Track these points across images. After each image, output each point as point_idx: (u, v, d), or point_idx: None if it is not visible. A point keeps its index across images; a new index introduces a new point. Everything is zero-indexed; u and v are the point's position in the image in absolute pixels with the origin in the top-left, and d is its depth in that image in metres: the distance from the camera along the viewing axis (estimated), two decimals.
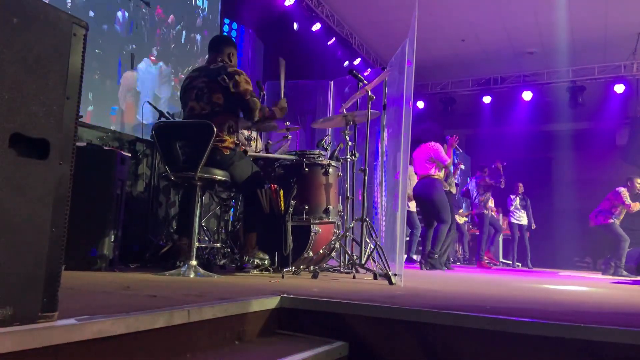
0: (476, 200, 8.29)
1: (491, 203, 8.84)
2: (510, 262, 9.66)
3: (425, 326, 1.62)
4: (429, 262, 5.66)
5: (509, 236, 9.90)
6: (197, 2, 6.24)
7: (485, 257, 8.31)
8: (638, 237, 8.82)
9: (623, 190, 7.15)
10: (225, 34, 6.61)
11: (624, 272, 6.85)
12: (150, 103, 4.30)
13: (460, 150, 6.79)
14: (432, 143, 5.82)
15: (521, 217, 9.58)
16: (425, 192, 5.68)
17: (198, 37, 6.08)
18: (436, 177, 5.74)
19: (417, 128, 5.95)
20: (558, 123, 11.00)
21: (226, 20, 6.68)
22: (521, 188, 9.69)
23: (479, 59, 10.13)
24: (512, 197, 9.64)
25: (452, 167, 6.56)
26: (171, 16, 5.70)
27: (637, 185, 7.18)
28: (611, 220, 7.17)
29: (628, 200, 7.07)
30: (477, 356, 1.55)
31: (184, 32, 5.84)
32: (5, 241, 1.05)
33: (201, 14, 6.27)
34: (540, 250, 10.03)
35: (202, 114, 3.12)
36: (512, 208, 9.55)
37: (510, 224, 9.61)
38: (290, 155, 3.67)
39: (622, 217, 7.24)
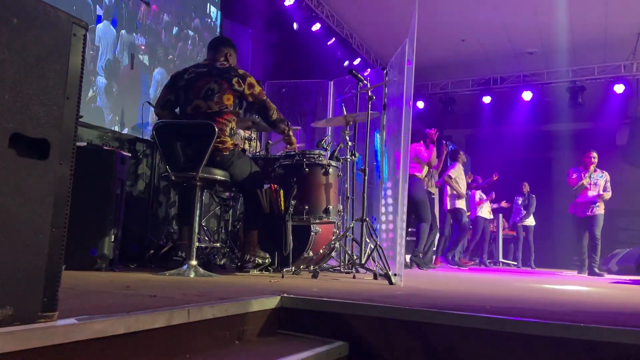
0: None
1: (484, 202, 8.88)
2: (515, 263, 9.64)
3: (425, 326, 1.62)
4: (413, 261, 5.72)
5: (510, 236, 9.90)
6: (210, 11, 6.27)
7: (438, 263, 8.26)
8: (638, 237, 8.82)
9: (570, 171, 6.94)
10: (224, 33, 6.62)
11: (597, 271, 6.53)
12: (149, 103, 4.30)
13: (446, 144, 6.85)
14: (417, 143, 5.96)
15: (527, 218, 9.56)
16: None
17: (190, 32, 6.07)
18: (419, 176, 5.83)
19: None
20: (558, 123, 11.00)
21: (226, 20, 6.68)
22: (526, 188, 9.67)
23: (479, 59, 10.13)
24: (518, 198, 9.63)
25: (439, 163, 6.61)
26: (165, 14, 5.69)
27: (593, 160, 6.79)
28: (571, 212, 6.92)
29: (571, 179, 6.83)
30: (477, 356, 1.55)
31: (175, 27, 5.82)
32: (5, 241, 1.05)
33: (203, 17, 6.28)
34: (540, 250, 10.03)
35: (208, 113, 3.11)
36: (520, 208, 9.57)
37: (515, 225, 9.59)
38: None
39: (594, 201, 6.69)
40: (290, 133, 3.50)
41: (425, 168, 6.05)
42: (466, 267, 7.71)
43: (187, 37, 5.98)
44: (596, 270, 6.53)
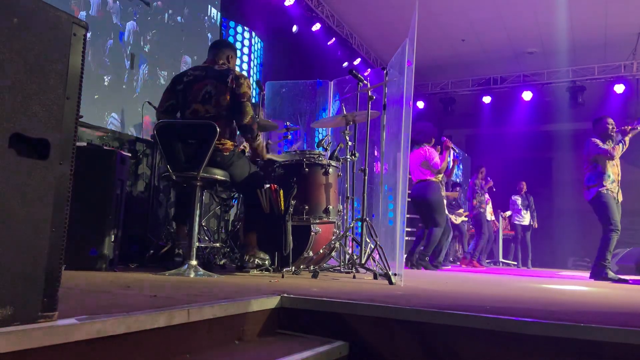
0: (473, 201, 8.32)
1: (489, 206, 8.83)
2: (515, 263, 9.63)
3: (425, 326, 1.62)
4: (420, 263, 5.72)
5: (509, 236, 9.90)
6: (209, 11, 6.28)
7: (463, 264, 8.22)
8: (638, 237, 8.81)
9: (594, 140, 5.27)
10: (224, 33, 6.62)
11: (610, 273, 4.94)
12: (149, 103, 4.30)
13: (457, 150, 6.64)
14: (426, 147, 5.88)
15: (523, 218, 9.56)
16: (422, 195, 5.73)
17: (190, 31, 6.07)
18: (434, 180, 5.79)
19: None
20: (558, 123, 11.01)
21: (226, 20, 6.68)
22: (524, 187, 9.66)
23: (479, 59, 10.13)
24: (515, 197, 9.62)
25: (449, 168, 6.52)
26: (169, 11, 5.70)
27: (609, 127, 5.27)
28: (601, 190, 5.12)
29: (603, 145, 5.18)
30: (477, 356, 1.55)
31: (175, 25, 5.81)
32: (5, 241, 1.05)
33: (204, 16, 6.28)
34: (540, 250, 10.03)
35: (206, 117, 3.10)
36: (517, 208, 9.54)
37: (514, 225, 9.59)
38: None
39: (614, 183, 5.19)
40: (255, 145, 3.32)
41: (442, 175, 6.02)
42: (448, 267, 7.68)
43: (188, 36, 5.98)
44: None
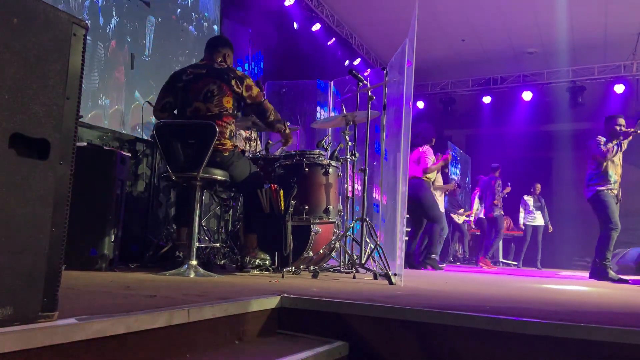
0: (491, 201, 8.29)
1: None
2: (515, 263, 9.61)
3: (426, 326, 1.62)
4: (427, 263, 5.74)
5: (510, 236, 9.88)
6: (199, 6, 6.25)
7: (482, 264, 8.22)
8: (638, 237, 8.80)
9: (598, 138, 5.27)
10: (224, 34, 6.62)
11: (611, 273, 4.97)
12: (149, 103, 4.30)
13: (460, 150, 6.70)
14: (423, 147, 5.97)
15: (535, 218, 9.52)
16: (411, 192, 5.72)
17: (187, 29, 6.04)
18: (424, 178, 5.90)
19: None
20: (558, 123, 11.01)
21: (225, 20, 6.68)
22: (538, 189, 9.63)
23: (479, 59, 10.13)
24: (527, 197, 9.59)
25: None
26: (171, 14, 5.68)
27: (617, 127, 5.25)
28: (601, 189, 5.14)
29: (602, 146, 5.17)
30: (477, 356, 1.55)
31: (173, 24, 5.77)
32: (5, 241, 1.05)
33: (200, 14, 6.26)
34: (541, 250, 10.02)
35: (207, 116, 3.10)
36: (529, 208, 9.52)
37: (525, 225, 9.55)
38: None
39: (616, 183, 5.22)
40: (287, 132, 3.50)
41: (433, 174, 6.06)
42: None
43: (186, 34, 5.97)
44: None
